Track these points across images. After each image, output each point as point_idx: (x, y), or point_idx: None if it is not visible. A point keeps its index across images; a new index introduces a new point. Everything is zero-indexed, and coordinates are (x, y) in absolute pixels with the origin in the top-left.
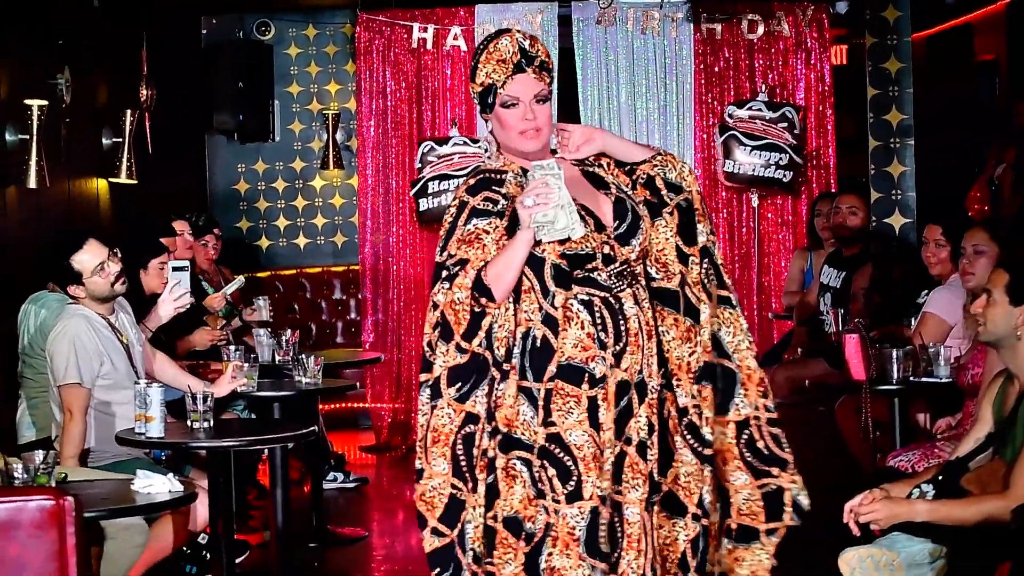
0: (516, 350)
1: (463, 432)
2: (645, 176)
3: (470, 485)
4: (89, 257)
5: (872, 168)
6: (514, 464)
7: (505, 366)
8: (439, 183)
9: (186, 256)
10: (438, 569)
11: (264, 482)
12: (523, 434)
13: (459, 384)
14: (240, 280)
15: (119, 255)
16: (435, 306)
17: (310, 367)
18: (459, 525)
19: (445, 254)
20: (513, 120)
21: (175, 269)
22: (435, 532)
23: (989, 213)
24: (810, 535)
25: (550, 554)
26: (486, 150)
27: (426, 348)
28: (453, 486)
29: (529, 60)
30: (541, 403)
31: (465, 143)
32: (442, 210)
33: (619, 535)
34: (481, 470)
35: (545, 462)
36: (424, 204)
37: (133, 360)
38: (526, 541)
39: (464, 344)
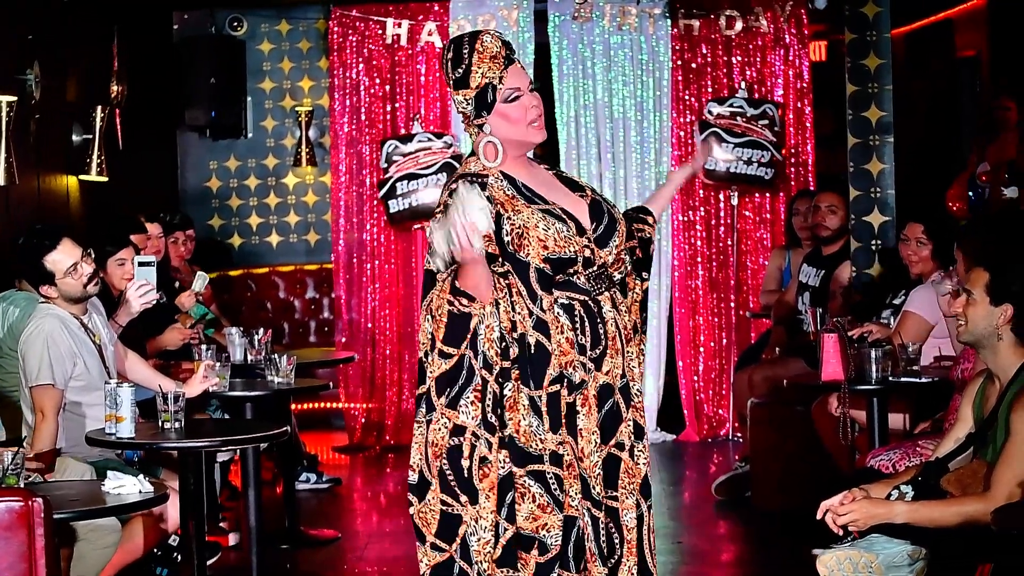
0: (512, 353)
1: (450, 444)
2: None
3: (463, 499)
4: (62, 257)
5: (851, 166)
6: (525, 481)
7: (509, 369)
8: (407, 183)
9: (156, 256)
10: None
11: (236, 483)
12: (532, 445)
13: (448, 391)
14: (203, 276)
15: (92, 255)
16: (433, 318)
17: (283, 367)
18: (457, 540)
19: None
20: (520, 111)
21: (141, 264)
22: (434, 547)
23: (966, 211)
24: (787, 534)
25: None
26: (474, 155)
27: (421, 359)
28: (443, 502)
29: (511, 51)
30: (545, 410)
31: (430, 139)
32: (413, 211)
33: (618, 541)
34: (481, 479)
35: (556, 468)
36: (394, 206)
37: (106, 361)
38: (539, 551)
39: (448, 349)
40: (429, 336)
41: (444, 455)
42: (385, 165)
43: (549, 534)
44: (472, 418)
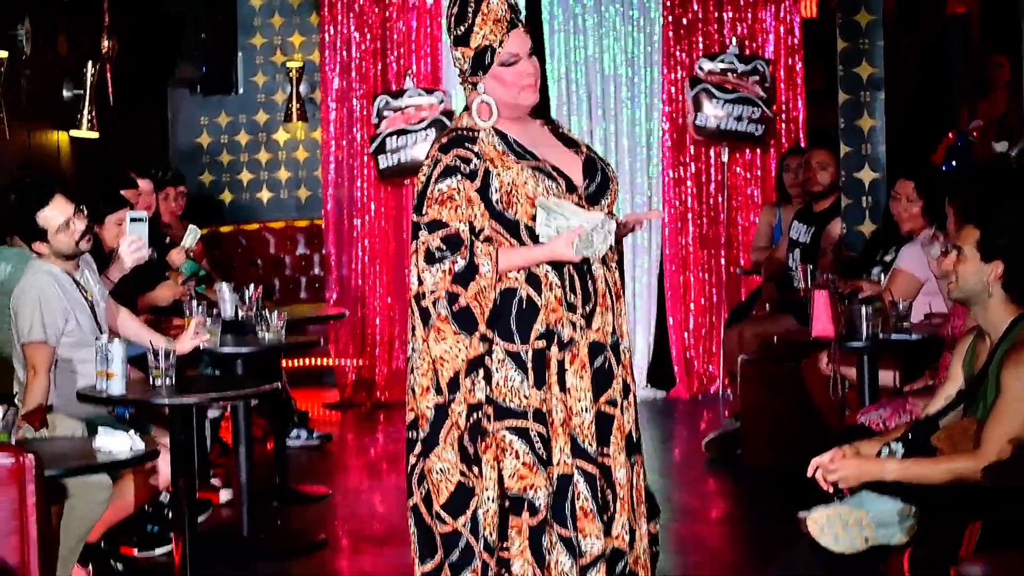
0: (492, 313)
1: (471, 421)
2: None
3: (476, 470)
4: (55, 213)
5: (842, 122)
6: (503, 436)
7: (488, 333)
8: (397, 139)
9: (149, 199)
10: (440, 554)
11: (227, 439)
12: (512, 402)
13: (473, 374)
14: (194, 230)
15: (85, 212)
16: (421, 281)
17: (273, 323)
18: (468, 513)
19: (422, 215)
20: (516, 76)
21: (132, 220)
22: (438, 517)
23: (941, 160)
24: (777, 491)
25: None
26: (467, 110)
27: (421, 322)
28: (462, 473)
29: (517, 14)
30: (531, 365)
31: (421, 94)
32: (402, 167)
33: (611, 498)
34: (484, 450)
35: (540, 426)
36: (384, 161)
37: (97, 317)
38: (530, 513)
39: (489, 333)
40: (460, 314)
41: (466, 434)
42: (376, 121)
43: (537, 494)
44: (482, 392)
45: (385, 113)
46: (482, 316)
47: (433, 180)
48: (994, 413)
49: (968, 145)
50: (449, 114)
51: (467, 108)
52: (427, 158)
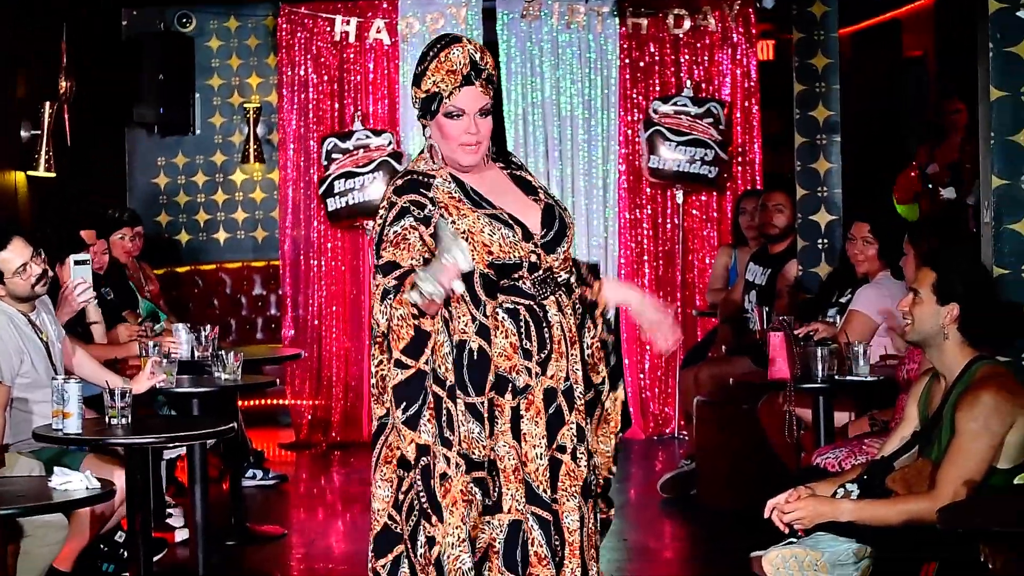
0: (451, 363)
1: (420, 465)
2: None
3: (434, 519)
4: (12, 256)
5: (798, 165)
6: (471, 487)
7: (449, 380)
8: (344, 182)
9: (102, 258)
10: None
11: (183, 479)
12: (475, 453)
13: (404, 404)
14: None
15: (43, 255)
16: (378, 324)
17: (229, 363)
18: (390, 555)
19: (379, 258)
20: (455, 131)
21: (76, 263)
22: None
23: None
24: (733, 532)
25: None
26: (423, 151)
27: (380, 359)
28: (390, 516)
29: (478, 73)
30: (486, 415)
31: (369, 136)
32: (351, 209)
33: (560, 543)
34: (443, 495)
35: (493, 476)
36: (332, 204)
37: (53, 358)
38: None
39: (406, 360)
40: (385, 340)
41: (418, 478)
42: (326, 163)
43: (480, 537)
44: (430, 435)
45: (334, 155)
46: (398, 340)
47: (388, 223)
48: (949, 455)
49: (929, 190)
50: (398, 156)
51: (422, 151)
52: (383, 200)
